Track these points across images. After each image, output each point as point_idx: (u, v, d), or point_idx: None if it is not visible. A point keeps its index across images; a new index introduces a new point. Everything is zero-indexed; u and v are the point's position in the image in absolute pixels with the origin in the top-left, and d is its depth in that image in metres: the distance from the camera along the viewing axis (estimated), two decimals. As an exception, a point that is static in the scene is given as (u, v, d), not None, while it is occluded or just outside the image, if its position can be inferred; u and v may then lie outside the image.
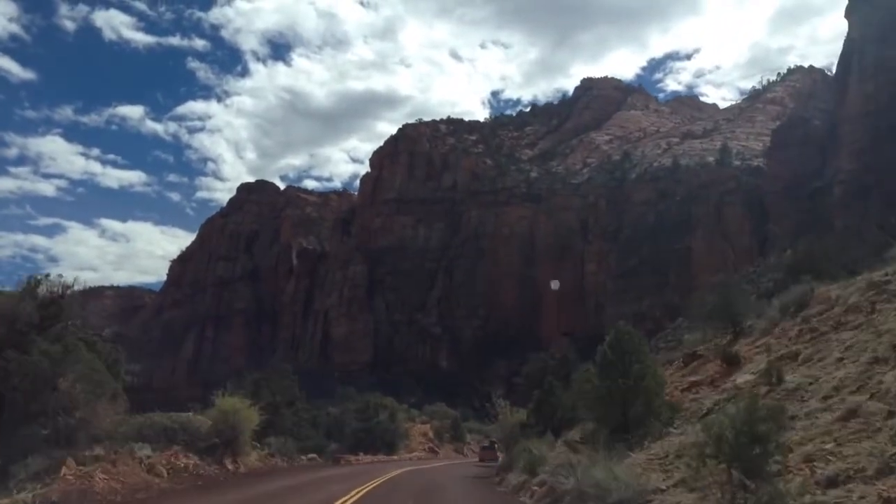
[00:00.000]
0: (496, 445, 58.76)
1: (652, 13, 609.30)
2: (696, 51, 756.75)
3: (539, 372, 52.40)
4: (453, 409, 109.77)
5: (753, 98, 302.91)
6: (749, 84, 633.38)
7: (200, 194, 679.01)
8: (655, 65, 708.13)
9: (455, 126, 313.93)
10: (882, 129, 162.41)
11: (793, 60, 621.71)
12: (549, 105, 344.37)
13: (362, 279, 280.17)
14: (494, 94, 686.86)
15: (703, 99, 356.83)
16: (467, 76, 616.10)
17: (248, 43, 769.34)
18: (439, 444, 71.64)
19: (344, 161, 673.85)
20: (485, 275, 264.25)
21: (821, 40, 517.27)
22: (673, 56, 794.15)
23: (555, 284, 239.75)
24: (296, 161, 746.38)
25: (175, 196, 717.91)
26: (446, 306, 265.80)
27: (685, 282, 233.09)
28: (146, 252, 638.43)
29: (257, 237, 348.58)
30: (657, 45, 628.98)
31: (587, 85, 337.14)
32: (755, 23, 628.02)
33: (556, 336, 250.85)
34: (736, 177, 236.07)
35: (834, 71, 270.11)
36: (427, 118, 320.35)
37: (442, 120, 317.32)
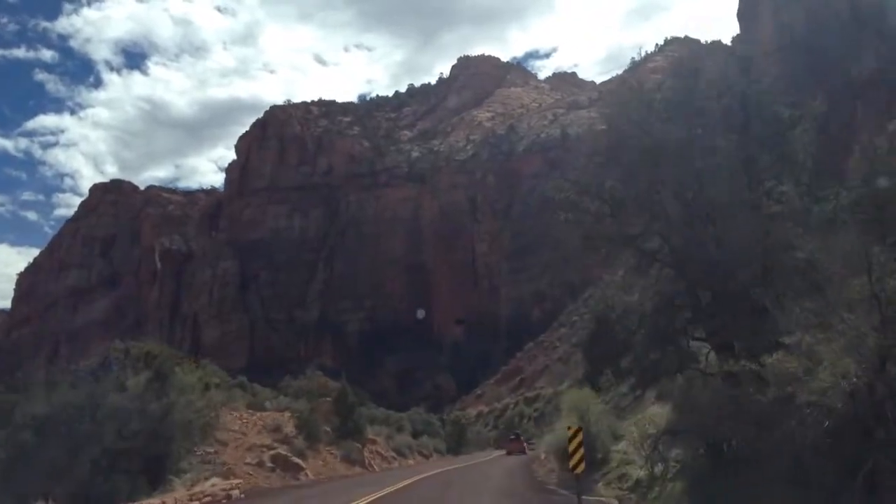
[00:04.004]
0: (521, 436, 64.50)
1: (511, 13, 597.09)
2: (555, 49, 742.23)
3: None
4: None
5: (634, 69, 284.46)
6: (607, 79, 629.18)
7: (59, 212, 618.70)
8: (517, 63, 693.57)
9: (327, 108, 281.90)
10: (801, 61, 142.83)
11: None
12: (426, 86, 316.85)
13: (233, 276, 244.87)
14: (362, 97, 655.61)
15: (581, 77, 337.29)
16: (333, 80, 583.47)
17: (100, 52, 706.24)
18: (309, 447, 36.86)
19: (212, 171, 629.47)
20: (368, 263, 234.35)
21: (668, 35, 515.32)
22: (533, 55, 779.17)
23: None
24: (160, 173, 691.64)
25: (31, 215, 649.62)
26: (328, 300, 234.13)
27: (585, 256, 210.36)
28: (3, 275, 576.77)
29: (115, 241, 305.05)
30: (517, 44, 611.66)
31: (464, 63, 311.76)
32: (608, 20, 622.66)
33: (449, 324, 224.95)
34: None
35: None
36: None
37: (313, 102, 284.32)
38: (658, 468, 19.58)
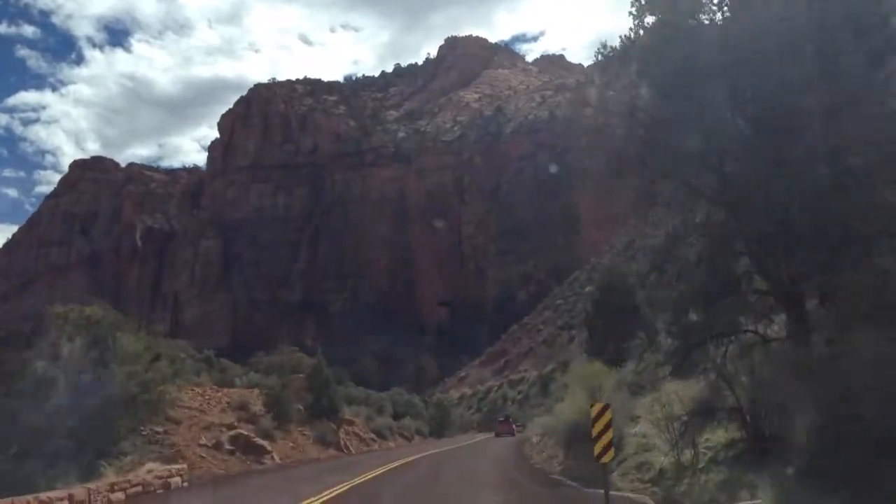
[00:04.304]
0: (510, 419, 67.73)
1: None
2: (542, 33, 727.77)
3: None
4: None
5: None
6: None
7: (40, 189, 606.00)
8: (504, 45, 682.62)
9: (313, 86, 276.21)
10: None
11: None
12: (412, 66, 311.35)
13: (216, 255, 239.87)
14: (347, 78, 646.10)
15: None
16: (318, 60, 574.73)
17: (82, 28, 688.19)
18: (278, 427, 32.92)
19: (195, 150, 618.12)
20: (353, 244, 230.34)
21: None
22: (520, 38, 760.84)
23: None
24: (143, 151, 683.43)
25: (12, 192, 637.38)
26: (312, 280, 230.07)
27: (571, 239, 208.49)
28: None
29: (95, 219, 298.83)
30: (505, 26, 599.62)
31: (452, 44, 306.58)
32: (595, 4, 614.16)
33: (433, 306, 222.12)
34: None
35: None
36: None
37: (298, 80, 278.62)
38: (686, 455, 16.31)
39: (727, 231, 12.54)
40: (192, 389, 31.54)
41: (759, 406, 14.26)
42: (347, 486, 18.34)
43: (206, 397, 31.41)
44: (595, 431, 13.13)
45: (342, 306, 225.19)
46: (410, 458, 30.56)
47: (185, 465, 19.75)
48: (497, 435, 61.69)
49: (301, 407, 36.74)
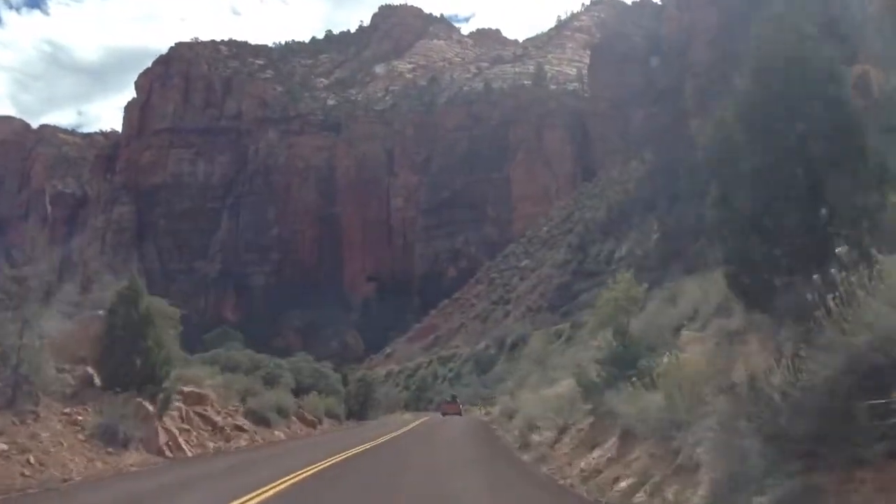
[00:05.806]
0: (458, 399, 69.21)
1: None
2: (473, 15, 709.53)
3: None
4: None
5: (560, 27, 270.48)
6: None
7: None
8: (440, 17, 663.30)
9: (238, 49, 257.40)
10: (737, 11, 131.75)
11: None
12: (345, 34, 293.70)
13: (129, 222, 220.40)
14: (277, 45, 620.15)
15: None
16: (249, 32, 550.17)
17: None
18: None
19: (118, 119, 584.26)
20: (277, 214, 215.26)
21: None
22: (453, 18, 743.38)
23: None
24: (62, 119, 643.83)
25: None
26: (232, 251, 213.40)
27: (504, 214, 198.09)
28: None
29: (2, 182, 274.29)
30: (437, 4, 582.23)
31: (386, 13, 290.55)
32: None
33: (360, 281, 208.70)
34: (556, 97, 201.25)
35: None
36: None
37: (223, 41, 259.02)
38: None
39: None
40: None
41: None
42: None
43: None
44: None
45: (264, 280, 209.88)
46: (279, 487, 13.58)
47: None
48: (444, 415, 61.76)
49: (92, 370, 21.32)
